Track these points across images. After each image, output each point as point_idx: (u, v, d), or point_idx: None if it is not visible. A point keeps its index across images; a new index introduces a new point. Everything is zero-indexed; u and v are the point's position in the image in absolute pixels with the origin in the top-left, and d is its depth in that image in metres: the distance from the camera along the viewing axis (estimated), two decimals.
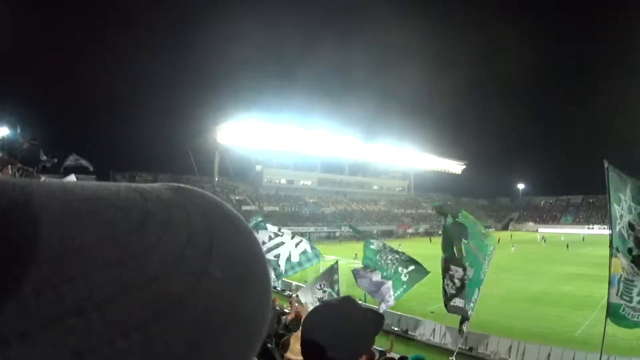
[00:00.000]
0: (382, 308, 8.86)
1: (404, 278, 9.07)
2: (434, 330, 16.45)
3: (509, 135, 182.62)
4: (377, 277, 9.15)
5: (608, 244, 7.26)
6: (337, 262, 11.06)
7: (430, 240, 54.53)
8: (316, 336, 1.27)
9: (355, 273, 9.42)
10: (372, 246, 9.70)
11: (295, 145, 74.10)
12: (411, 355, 5.13)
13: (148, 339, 0.23)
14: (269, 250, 9.95)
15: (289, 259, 10.11)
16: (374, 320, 1.40)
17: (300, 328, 1.37)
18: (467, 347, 14.45)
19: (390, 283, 9.02)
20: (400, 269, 9.17)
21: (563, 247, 50.88)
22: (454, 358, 8.53)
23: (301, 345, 1.30)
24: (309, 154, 78.16)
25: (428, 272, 9.25)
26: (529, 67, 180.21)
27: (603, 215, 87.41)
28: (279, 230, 10.66)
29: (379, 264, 9.30)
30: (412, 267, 9.20)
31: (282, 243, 10.25)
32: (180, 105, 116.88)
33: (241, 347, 0.28)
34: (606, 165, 7.31)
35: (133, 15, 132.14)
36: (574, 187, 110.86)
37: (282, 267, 10.00)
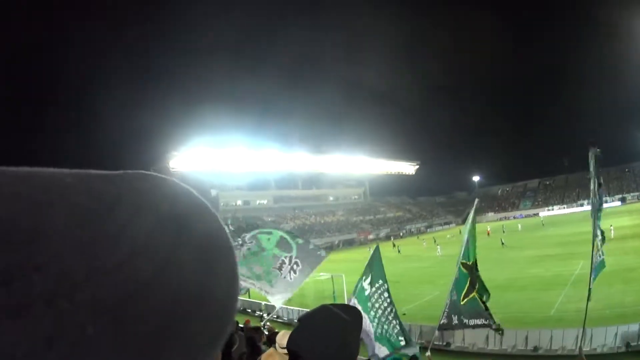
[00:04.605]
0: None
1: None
2: (409, 330, 16.05)
3: (458, 130, 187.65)
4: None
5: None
6: None
7: (394, 245, 52.92)
8: (305, 353, 1.19)
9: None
10: (365, 292, 7.12)
11: (248, 166, 73.48)
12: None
13: (117, 323, 0.23)
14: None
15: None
16: (354, 319, 1.30)
17: (286, 349, 1.27)
18: (444, 343, 14.29)
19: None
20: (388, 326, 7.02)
21: (520, 233, 50.27)
22: (429, 353, 8.07)
23: None
24: (262, 173, 77.48)
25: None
26: (468, 61, 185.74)
27: (562, 196, 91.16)
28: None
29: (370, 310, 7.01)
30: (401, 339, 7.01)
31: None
32: (131, 135, 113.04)
33: (210, 331, 0.29)
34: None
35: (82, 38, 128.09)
36: (529, 172, 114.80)
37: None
